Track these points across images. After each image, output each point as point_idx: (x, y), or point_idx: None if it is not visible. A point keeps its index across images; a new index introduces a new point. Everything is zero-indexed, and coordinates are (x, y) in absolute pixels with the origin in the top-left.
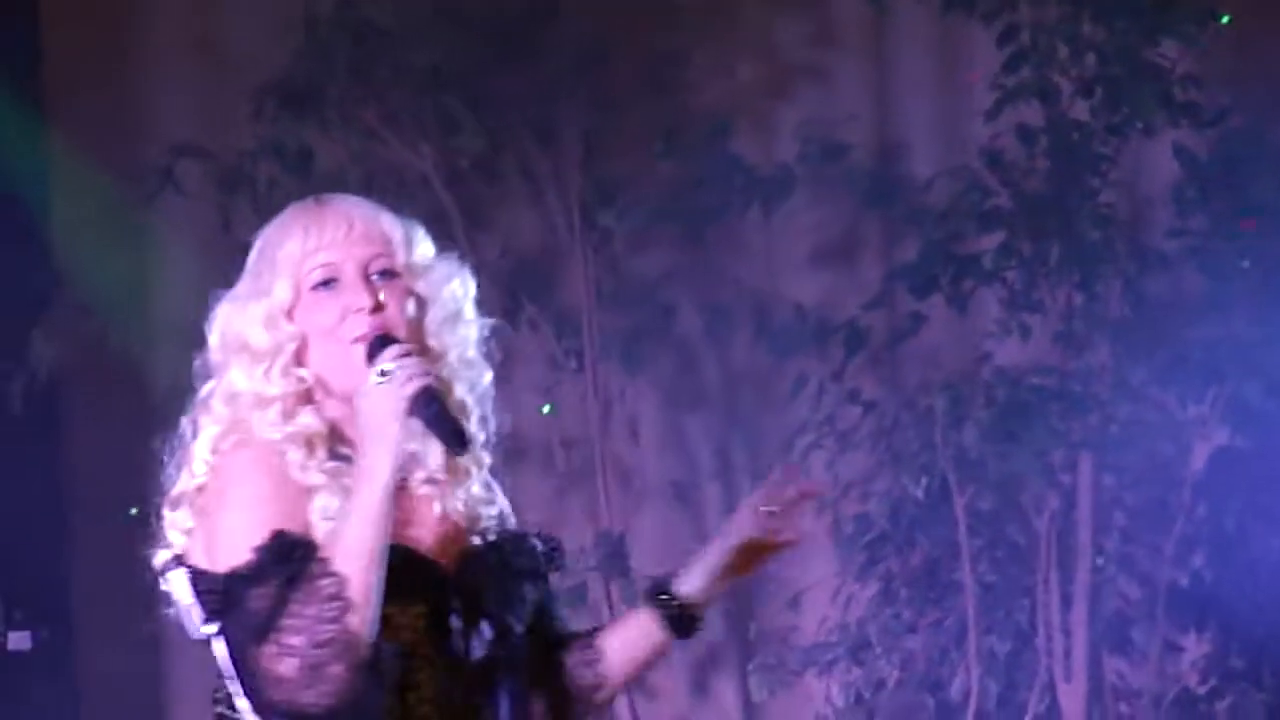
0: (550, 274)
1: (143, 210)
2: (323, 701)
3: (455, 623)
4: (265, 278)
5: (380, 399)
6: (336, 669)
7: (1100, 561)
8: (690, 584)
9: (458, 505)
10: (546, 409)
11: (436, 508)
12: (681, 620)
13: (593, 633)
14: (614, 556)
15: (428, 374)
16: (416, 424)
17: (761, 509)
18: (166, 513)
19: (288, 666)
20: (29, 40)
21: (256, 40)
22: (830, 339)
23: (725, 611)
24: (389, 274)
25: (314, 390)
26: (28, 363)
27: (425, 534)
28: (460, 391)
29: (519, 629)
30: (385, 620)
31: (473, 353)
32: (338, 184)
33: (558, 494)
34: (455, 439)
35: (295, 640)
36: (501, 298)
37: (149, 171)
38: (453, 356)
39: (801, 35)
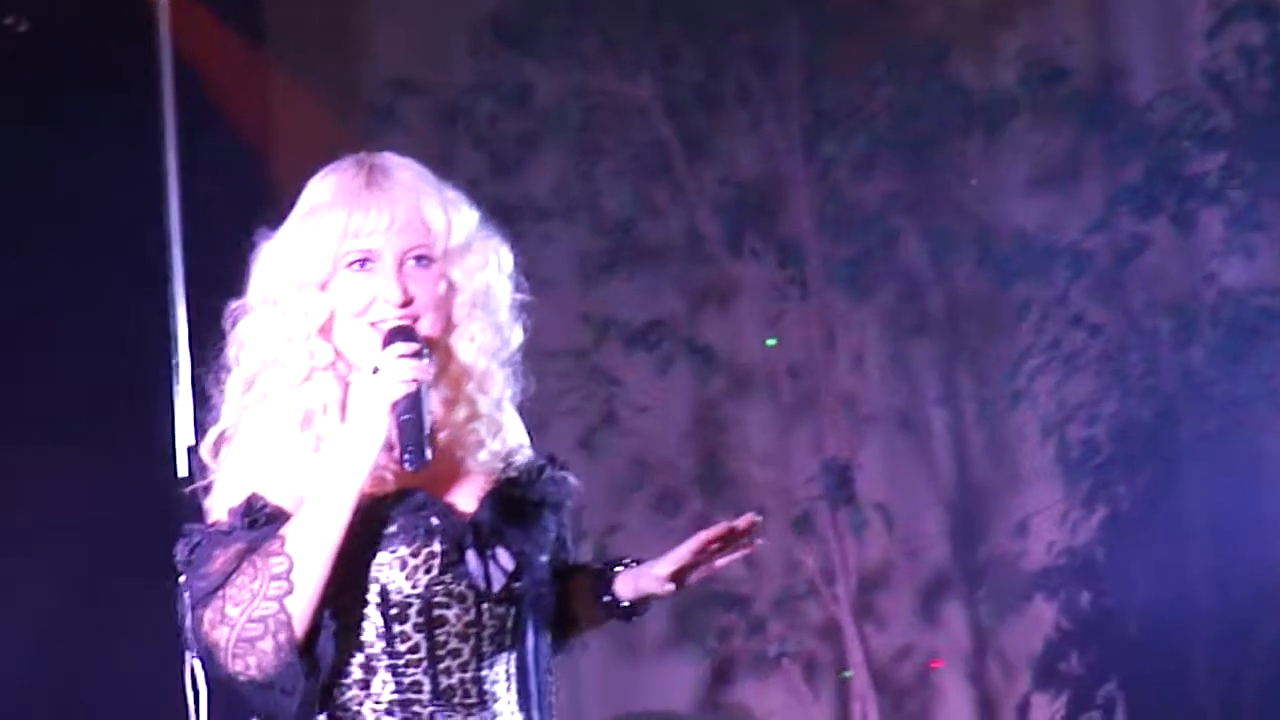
0: (772, 202)
1: (364, 147)
2: (250, 674)
3: (472, 558)
4: (305, 241)
5: (368, 392)
6: (266, 645)
7: None
8: (625, 588)
9: (481, 456)
10: (771, 342)
11: (459, 455)
12: (616, 611)
13: (581, 570)
14: (839, 484)
15: (417, 381)
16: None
17: (694, 551)
18: (206, 456)
19: (220, 635)
20: None
21: None
22: (1054, 263)
23: (953, 538)
24: (425, 260)
25: (336, 361)
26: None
27: (446, 481)
28: (483, 363)
29: (541, 558)
30: (401, 563)
31: (505, 317)
32: (556, 118)
33: (783, 423)
34: (411, 454)
35: (233, 611)
36: (723, 227)
37: (370, 108)
38: (478, 333)
39: None
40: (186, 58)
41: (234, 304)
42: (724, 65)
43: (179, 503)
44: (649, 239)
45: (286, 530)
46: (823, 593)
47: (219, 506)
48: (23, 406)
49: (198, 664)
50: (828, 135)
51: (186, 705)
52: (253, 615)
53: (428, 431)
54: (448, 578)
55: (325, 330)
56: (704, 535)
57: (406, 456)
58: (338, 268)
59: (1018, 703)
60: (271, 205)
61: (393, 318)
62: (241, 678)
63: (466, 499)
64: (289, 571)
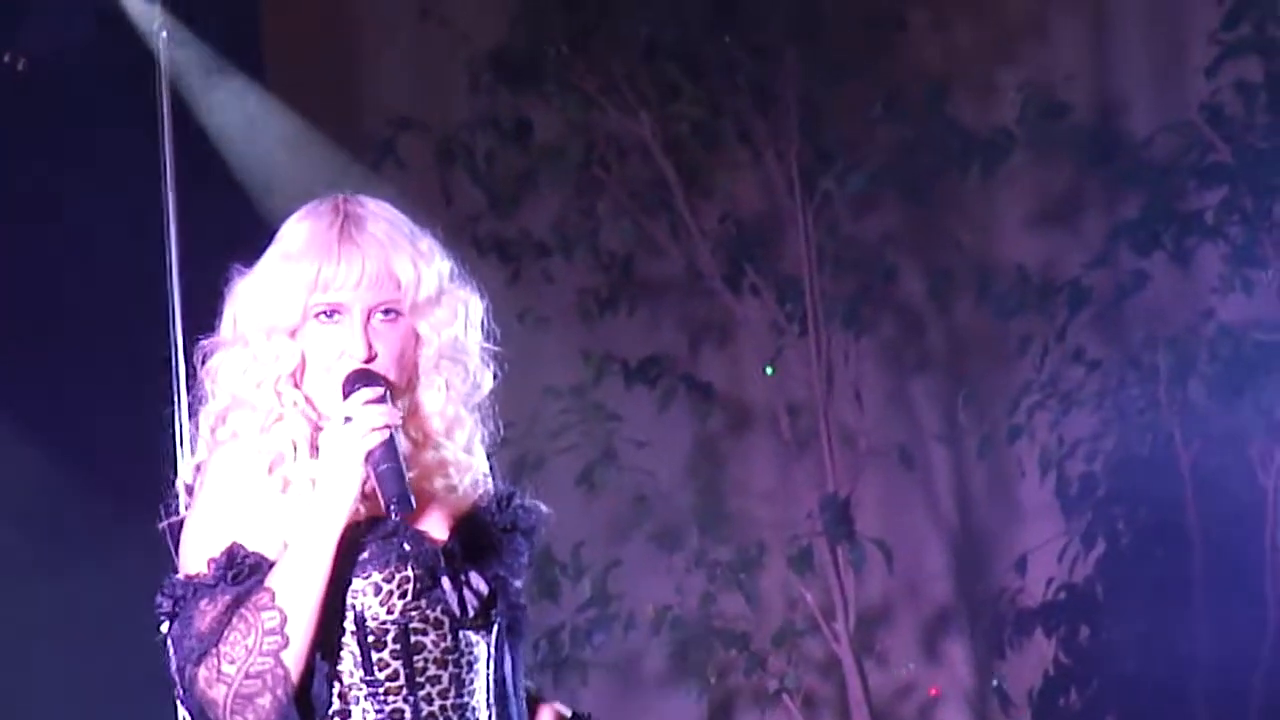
0: (771, 239)
1: (364, 183)
2: None
3: (445, 583)
4: (277, 287)
5: (341, 443)
6: (265, 700)
7: None
8: None
9: (454, 492)
10: (769, 370)
11: (428, 489)
12: None
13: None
14: (839, 520)
15: (389, 426)
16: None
17: None
18: (183, 495)
19: (218, 693)
20: (250, 12)
21: (476, 11)
22: (1053, 298)
23: (953, 574)
24: (392, 313)
25: (306, 406)
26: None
27: (417, 511)
28: (451, 410)
29: (516, 583)
30: (375, 589)
31: (474, 364)
32: (556, 155)
33: (783, 459)
34: (397, 502)
35: (229, 669)
36: (723, 264)
37: (370, 144)
38: (445, 383)
39: None
40: (185, 94)
41: (206, 339)
42: (723, 103)
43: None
44: (648, 275)
45: (273, 583)
46: (823, 629)
47: (196, 557)
48: (22, 441)
49: (187, 717)
50: (826, 172)
51: None
52: (249, 671)
53: (408, 477)
54: (423, 603)
55: (294, 376)
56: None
57: (393, 507)
58: (307, 317)
59: None
60: (269, 241)
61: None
62: None
63: (438, 527)
64: (282, 625)
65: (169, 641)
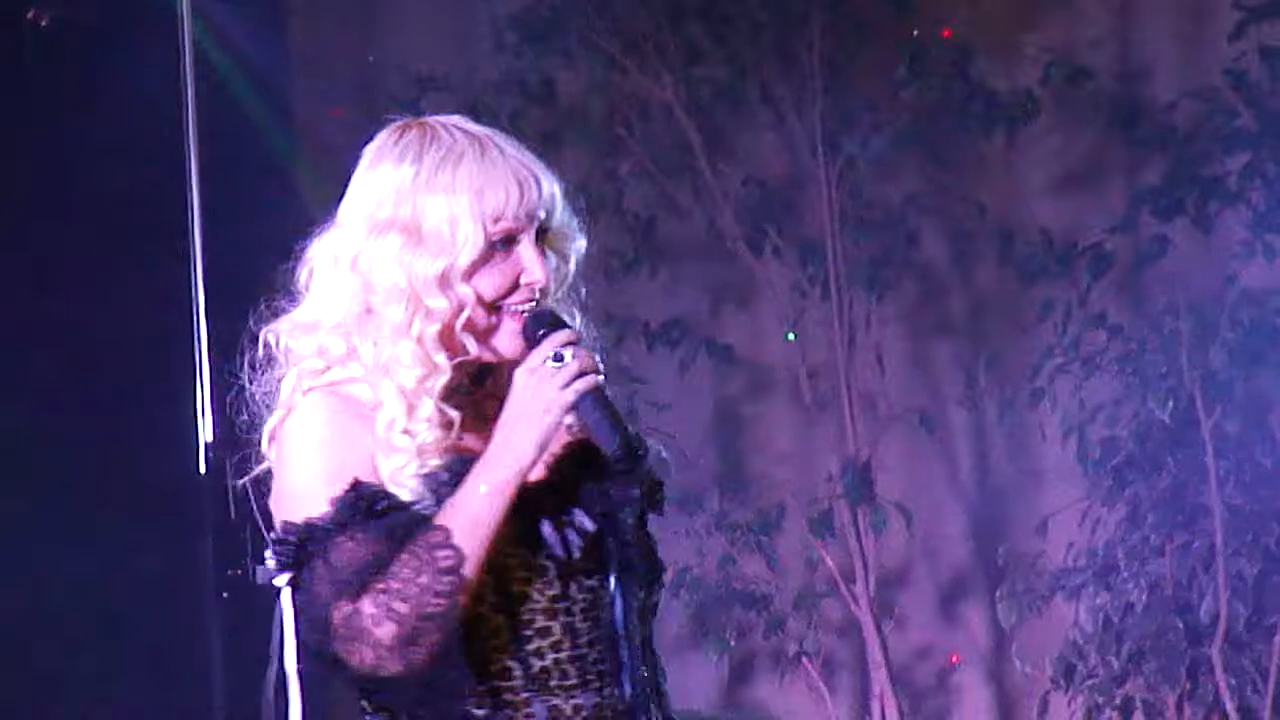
0: (793, 201)
1: None
2: (409, 670)
3: (546, 526)
4: (448, 228)
5: (547, 385)
6: (434, 641)
7: None
8: None
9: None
10: (791, 336)
11: None
12: None
13: None
14: (860, 484)
15: (599, 371)
16: (572, 418)
17: None
18: (267, 449)
19: (385, 630)
20: None
21: None
22: (1075, 263)
23: (973, 538)
24: (542, 233)
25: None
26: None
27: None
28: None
29: (628, 519)
30: None
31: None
32: (581, 115)
33: (803, 422)
34: (622, 450)
35: (401, 606)
36: (745, 226)
37: (393, 104)
38: (581, 307)
39: None
40: (208, 52)
41: (280, 310)
42: (747, 65)
43: (197, 498)
44: (671, 237)
45: (448, 520)
46: (842, 592)
47: (313, 500)
48: (41, 402)
49: (318, 659)
50: (849, 135)
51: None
52: (423, 612)
53: (624, 422)
54: (522, 549)
55: (470, 321)
56: None
57: (617, 456)
58: (493, 251)
59: (1037, 702)
60: (294, 199)
61: (525, 300)
62: (394, 674)
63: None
64: (458, 565)
65: (301, 590)
